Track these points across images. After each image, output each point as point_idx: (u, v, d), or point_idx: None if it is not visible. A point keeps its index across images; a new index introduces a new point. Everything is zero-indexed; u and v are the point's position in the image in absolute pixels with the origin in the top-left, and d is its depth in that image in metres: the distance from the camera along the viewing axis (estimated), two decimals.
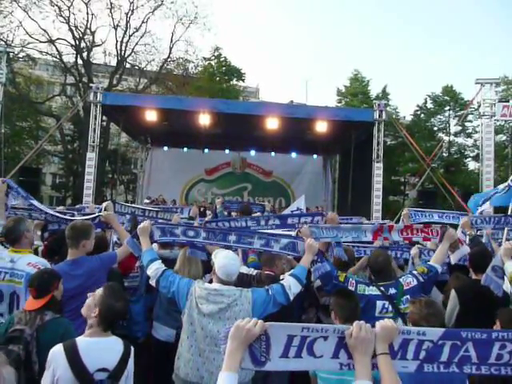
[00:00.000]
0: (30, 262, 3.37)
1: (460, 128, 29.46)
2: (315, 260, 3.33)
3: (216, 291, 2.87)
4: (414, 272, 3.46)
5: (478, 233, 4.98)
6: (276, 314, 2.80)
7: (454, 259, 4.02)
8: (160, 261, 3.19)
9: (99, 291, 2.53)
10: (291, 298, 2.97)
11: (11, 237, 3.55)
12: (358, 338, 1.69)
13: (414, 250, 4.25)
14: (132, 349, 2.50)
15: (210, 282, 3.09)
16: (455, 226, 4.71)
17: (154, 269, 3.09)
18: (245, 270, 3.75)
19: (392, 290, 3.26)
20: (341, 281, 3.29)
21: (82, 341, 2.38)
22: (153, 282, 3.10)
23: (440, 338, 1.75)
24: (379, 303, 3.23)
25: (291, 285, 2.99)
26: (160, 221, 5.48)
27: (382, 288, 3.28)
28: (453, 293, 3.60)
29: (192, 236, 3.46)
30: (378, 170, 14.52)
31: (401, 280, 3.36)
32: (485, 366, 1.75)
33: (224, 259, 2.99)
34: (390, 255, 3.88)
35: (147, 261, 3.16)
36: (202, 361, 2.79)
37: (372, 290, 3.28)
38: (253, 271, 3.71)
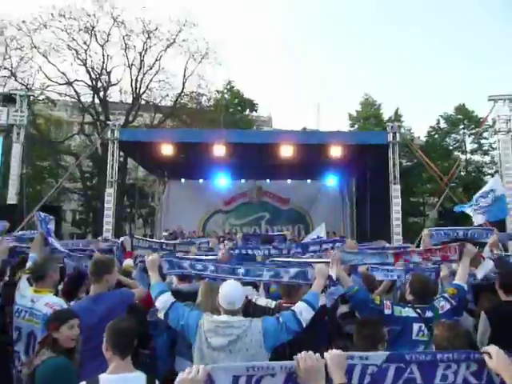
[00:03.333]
0: (47, 303, 3.40)
1: (476, 146, 29.17)
2: (328, 285, 3.26)
3: (224, 323, 2.80)
4: (445, 295, 3.35)
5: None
6: (301, 341, 2.69)
7: (479, 275, 3.90)
8: (169, 293, 3.14)
9: None
10: (304, 324, 2.88)
11: (37, 274, 3.64)
12: (306, 368, 1.65)
13: (444, 272, 4.09)
14: None
15: None
16: (476, 244, 4.59)
17: (163, 301, 3.05)
18: (263, 302, 3.64)
19: (429, 313, 3.18)
20: (377, 304, 3.22)
21: (104, 378, 2.34)
22: (161, 315, 3.04)
23: (384, 361, 1.75)
24: (415, 326, 3.14)
25: (302, 310, 2.91)
26: (178, 254, 5.50)
27: (418, 310, 3.18)
28: (483, 315, 3.48)
29: (200, 269, 3.42)
30: (395, 191, 14.34)
31: (435, 303, 3.27)
32: None
33: (226, 286, 2.97)
34: (433, 280, 3.76)
35: (156, 293, 3.13)
36: None
37: (409, 312, 3.20)
38: (271, 303, 3.59)
